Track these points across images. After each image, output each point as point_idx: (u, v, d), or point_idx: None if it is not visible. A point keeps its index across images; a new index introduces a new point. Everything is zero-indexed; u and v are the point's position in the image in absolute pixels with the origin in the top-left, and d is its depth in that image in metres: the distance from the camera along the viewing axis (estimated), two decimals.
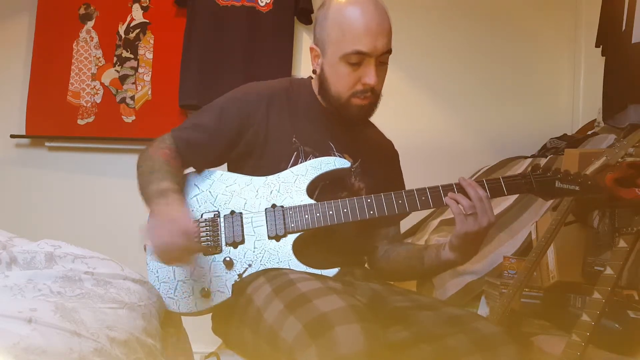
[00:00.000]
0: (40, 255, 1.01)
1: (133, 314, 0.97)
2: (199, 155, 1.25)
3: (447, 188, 1.15)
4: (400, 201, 1.16)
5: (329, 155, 1.26)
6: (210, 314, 1.23)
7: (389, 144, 1.44)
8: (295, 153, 1.24)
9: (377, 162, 1.34)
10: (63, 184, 2.56)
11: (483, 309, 1.71)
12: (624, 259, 1.11)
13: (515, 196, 2.01)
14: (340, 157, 1.26)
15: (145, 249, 1.21)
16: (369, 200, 1.17)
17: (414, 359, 1.05)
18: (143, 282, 1.10)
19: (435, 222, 2.08)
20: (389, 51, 1.21)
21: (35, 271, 0.97)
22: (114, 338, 0.87)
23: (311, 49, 1.27)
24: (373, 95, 1.23)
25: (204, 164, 1.27)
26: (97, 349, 0.81)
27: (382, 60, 1.21)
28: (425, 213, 2.23)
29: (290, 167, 1.23)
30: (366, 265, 1.37)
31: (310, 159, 1.24)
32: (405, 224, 2.10)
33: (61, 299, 0.90)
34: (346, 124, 1.31)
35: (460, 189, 1.14)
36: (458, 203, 1.12)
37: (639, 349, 1.16)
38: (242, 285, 1.14)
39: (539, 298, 1.52)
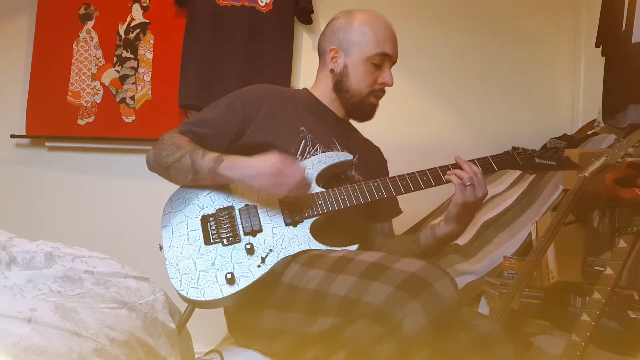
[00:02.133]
0: (39, 255, 1.01)
1: (133, 313, 0.98)
2: (209, 147, 1.30)
3: (444, 168, 1.29)
4: (404, 182, 1.26)
5: (332, 147, 1.38)
6: (222, 310, 1.25)
7: (379, 150, 1.58)
8: (303, 141, 1.35)
9: (371, 161, 1.48)
10: (63, 184, 2.56)
11: (483, 309, 1.71)
12: (624, 259, 1.11)
13: (516, 196, 2.02)
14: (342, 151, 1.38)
15: (160, 248, 1.22)
16: (375, 184, 1.26)
17: None
18: (144, 279, 1.10)
19: (436, 222, 2.08)
20: (395, 62, 1.44)
21: (34, 271, 0.97)
22: (114, 338, 0.87)
23: (331, 50, 1.42)
24: (382, 96, 1.43)
25: None
26: (97, 349, 0.81)
27: (391, 67, 1.43)
28: (424, 213, 2.23)
29: (299, 152, 1.33)
30: None
31: (317, 146, 1.35)
32: (406, 224, 2.10)
33: (61, 299, 0.90)
34: (344, 126, 1.48)
35: (456, 167, 1.28)
36: (458, 177, 1.25)
37: (639, 349, 1.16)
38: (273, 277, 1.16)
39: (539, 298, 1.52)
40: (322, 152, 1.35)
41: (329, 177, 1.32)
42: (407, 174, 1.27)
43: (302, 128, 1.36)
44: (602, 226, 1.45)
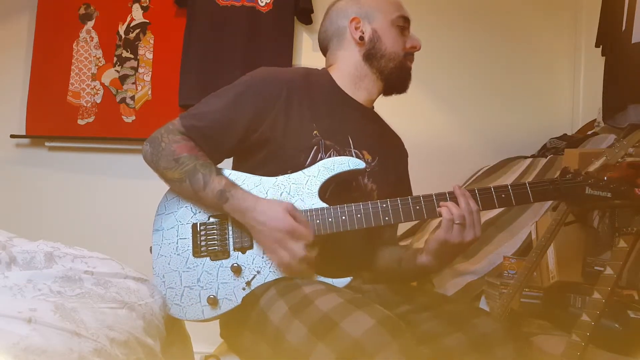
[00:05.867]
0: (39, 255, 1.01)
1: (133, 314, 0.97)
2: (214, 145, 1.20)
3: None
4: (417, 207, 1.11)
5: (347, 150, 1.23)
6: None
7: (401, 142, 1.45)
8: (315, 147, 1.20)
9: (392, 161, 1.35)
10: (63, 184, 2.56)
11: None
12: (624, 259, 1.11)
13: None
14: (356, 154, 1.24)
15: (151, 250, 1.18)
16: (384, 206, 1.12)
17: None
18: (144, 281, 1.10)
19: (435, 222, 2.08)
20: None
21: (35, 271, 0.97)
22: (114, 338, 0.87)
23: (352, 20, 1.30)
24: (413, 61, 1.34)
25: (219, 155, 1.23)
26: (97, 349, 0.81)
27: None
28: None
29: (309, 160, 1.19)
30: None
31: (330, 152, 1.21)
32: (406, 224, 2.10)
33: (61, 299, 0.89)
34: (366, 118, 1.32)
35: (453, 197, 1.10)
36: (449, 211, 1.08)
37: (639, 349, 1.16)
38: (253, 297, 1.11)
39: (539, 298, 1.52)
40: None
41: (336, 184, 1.20)
42: (423, 196, 1.12)
43: (315, 132, 1.21)
44: (602, 226, 1.45)
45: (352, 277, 1.13)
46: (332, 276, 1.13)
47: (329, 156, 1.20)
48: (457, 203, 1.09)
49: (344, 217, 1.12)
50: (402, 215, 1.12)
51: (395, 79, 1.31)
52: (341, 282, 1.12)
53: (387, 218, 1.12)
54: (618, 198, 1.10)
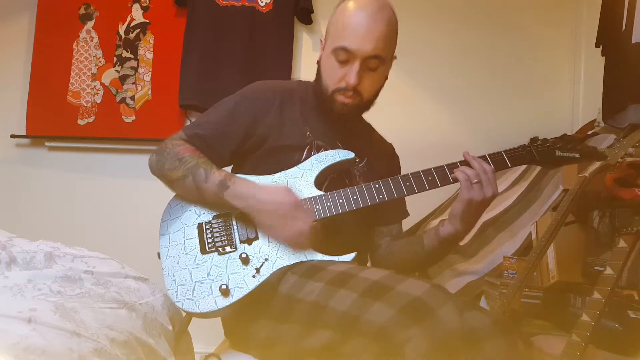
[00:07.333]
0: (39, 255, 1.01)
1: (133, 313, 0.97)
2: (216, 151, 1.27)
3: (452, 166, 1.20)
4: (407, 183, 1.19)
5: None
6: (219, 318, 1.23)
7: (391, 147, 1.50)
8: (308, 146, 1.28)
9: (381, 162, 1.40)
10: (63, 184, 2.57)
11: None
12: (624, 259, 1.10)
13: (516, 195, 2.02)
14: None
15: (159, 256, 1.21)
16: (377, 186, 1.19)
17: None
18: (144, 280, 1.10)
19: (436, 222, 2.08)
20: (378, 57, 1.22)
21: (34, 271, 0.97)
22: (114, 338, 0.87)
23: (320, 41, 1.34)
24: (357, 97, 1.25)
25: (220, 161, 1.28)
26: (97, 349, 0.81)
27: (370, 65, 1.23)
28: (425, 212, 2.23)
29: (303, 159, 1.27)
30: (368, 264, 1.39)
31: (321, 150, 1.29)
32: (406, 224, 2.10)
33: (61, 299, 0.89)
34: (352, 126, 1.38)
35: (465, 164, 1.19)
36: (464, 174, 1.17)
37: (639, 349, 1.16)
38: (268, 287, 1.14)
39: (539, 298, 1.52)
40: None
41: (331, 179, 1.28)
42: (411, 174, 1.20)
43: (308, 133, 1.29)
44: (602, 226, 1.45)
45: (356, 253, 1.17)
46: (336, 254, 1.17)
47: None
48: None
49: (341, 200, 1.19)
50: (394, 192, 1.19)
51: (329, 111, 1.28)
52: (347, 257, 1.17)
53: (381, 196, 1.19)
54: (586, 158, 1.22)
